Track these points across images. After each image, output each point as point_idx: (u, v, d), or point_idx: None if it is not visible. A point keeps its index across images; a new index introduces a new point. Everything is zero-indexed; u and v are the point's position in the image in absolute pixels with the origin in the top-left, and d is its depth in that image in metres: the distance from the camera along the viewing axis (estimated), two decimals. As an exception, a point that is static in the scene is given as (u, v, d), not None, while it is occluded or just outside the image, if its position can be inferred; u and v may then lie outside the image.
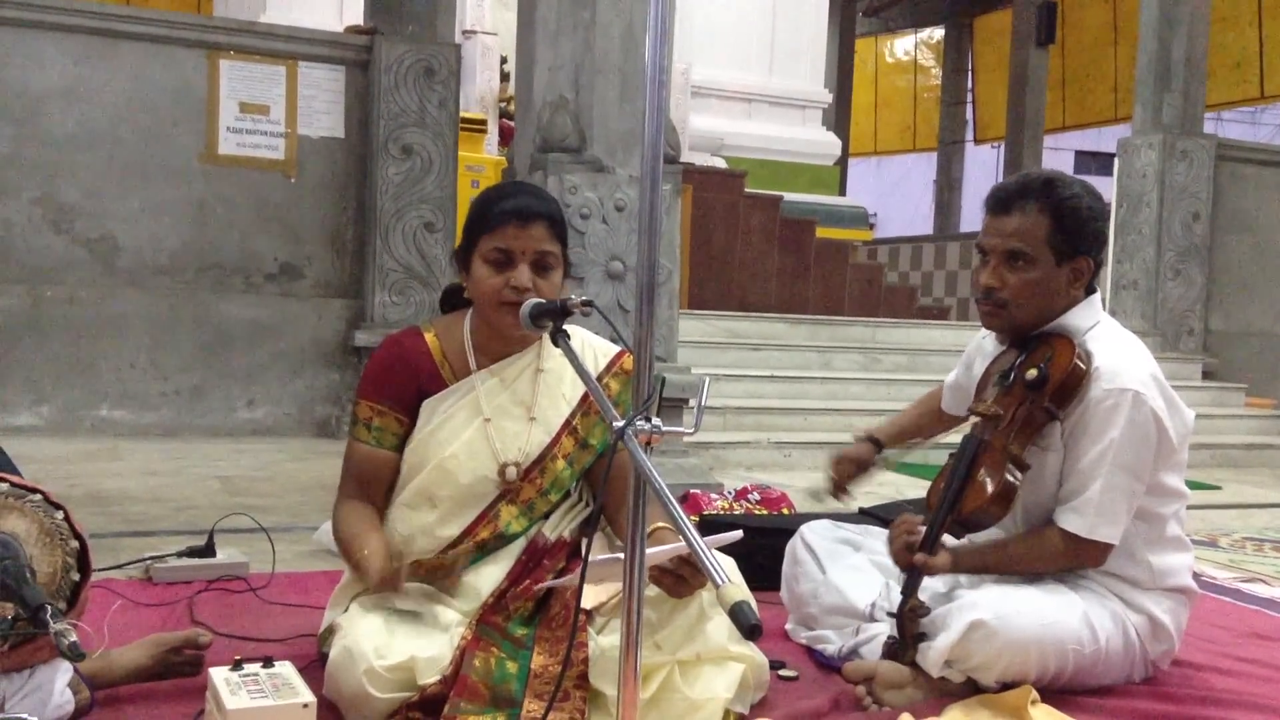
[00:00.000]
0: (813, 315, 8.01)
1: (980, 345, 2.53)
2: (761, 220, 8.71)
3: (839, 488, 2.59)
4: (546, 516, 2.20)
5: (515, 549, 2.16)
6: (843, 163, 13.21)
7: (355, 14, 7.58)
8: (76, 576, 1.73)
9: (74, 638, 1.45)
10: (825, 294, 8.91)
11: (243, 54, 5.87)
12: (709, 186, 8.40)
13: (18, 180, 5.50)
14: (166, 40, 5.76)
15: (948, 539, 2.25)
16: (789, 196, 9.51)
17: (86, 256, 5.63)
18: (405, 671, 1.88)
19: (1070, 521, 2.20)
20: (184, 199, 5.79)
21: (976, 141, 17.19)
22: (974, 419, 2.33)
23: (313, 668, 2.05)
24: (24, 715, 1.47)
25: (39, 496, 1.72)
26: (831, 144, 11.45)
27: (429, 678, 1.87)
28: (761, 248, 8.66)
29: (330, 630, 2.12)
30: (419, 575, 2.11)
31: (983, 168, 17.66)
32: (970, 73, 16.92)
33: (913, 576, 2.20)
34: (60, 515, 1.72)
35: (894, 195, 20.99)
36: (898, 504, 2.67)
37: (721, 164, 9.78)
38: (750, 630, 1.21)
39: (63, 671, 1.83)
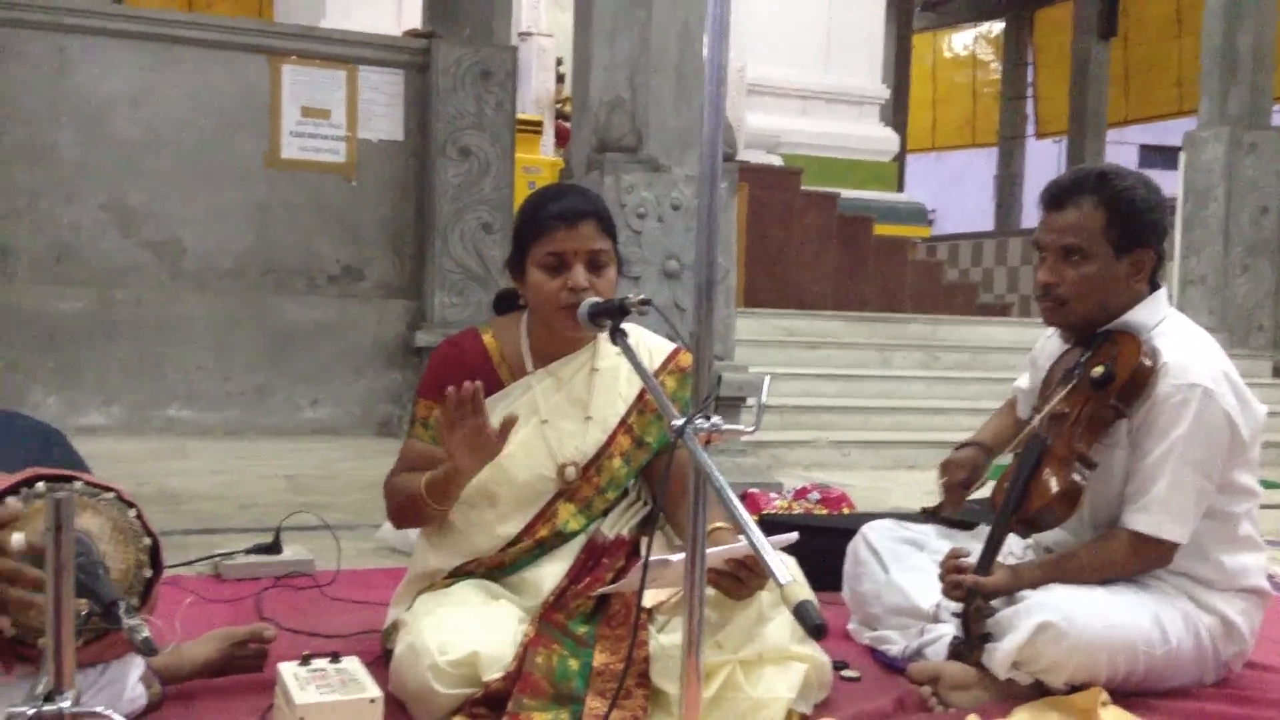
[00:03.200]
0: (871, 313, 7.95)
1: (1045, 344, 2.50)
2: (818, 217, 8.66)
3: (952, 492, 2.49)
4: (604, 514, 2.21)
5: (575, 547, 2.17)
6: (901, 159, 13.09)
7: (413, 17, 7.64)
8: (149, 573, 1.76)
9: (147, 633, 1.47)
10: (883, 291, 8.83)
11: (304, 59, 5.96)
12: (765, 184, 8.36)
13: (86, 185, 5.62)
14: (229, 46, 5.86)
15: (1010, 544, 2.22)
16: (846, 193, 9.45)
17: (153, 259, 5.75)
18: (469, 667, 1.89)
19: (1136, 520, 2.16)
20: (247, 202, 5.88)
21: (1038, 136, 16.94)
22: (1039, 418, 2.29)
23: (377, 664, 2.08)
24: (99, 709, 1.50)
25: (112, 494, 1.76)
26: (889, 140, 11.35)
27: (492, 674, 1.88)
28: (818, 245, 8.61)
29: (394, 626, 2.14)
30: (480, 572, 2.13)
31: (1045, 163, 17.38)
32: (1031, 66, 16.68)
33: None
34: (133, 513, 1.76)
35: (953, 191, 20.75)
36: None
37: (778, 161, 9.73)
38: (815, 630, 1.20)
39: (135, 666, 1.87)
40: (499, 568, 2.15)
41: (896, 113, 14.40)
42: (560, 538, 2.17)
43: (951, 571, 2.20)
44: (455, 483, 2.05)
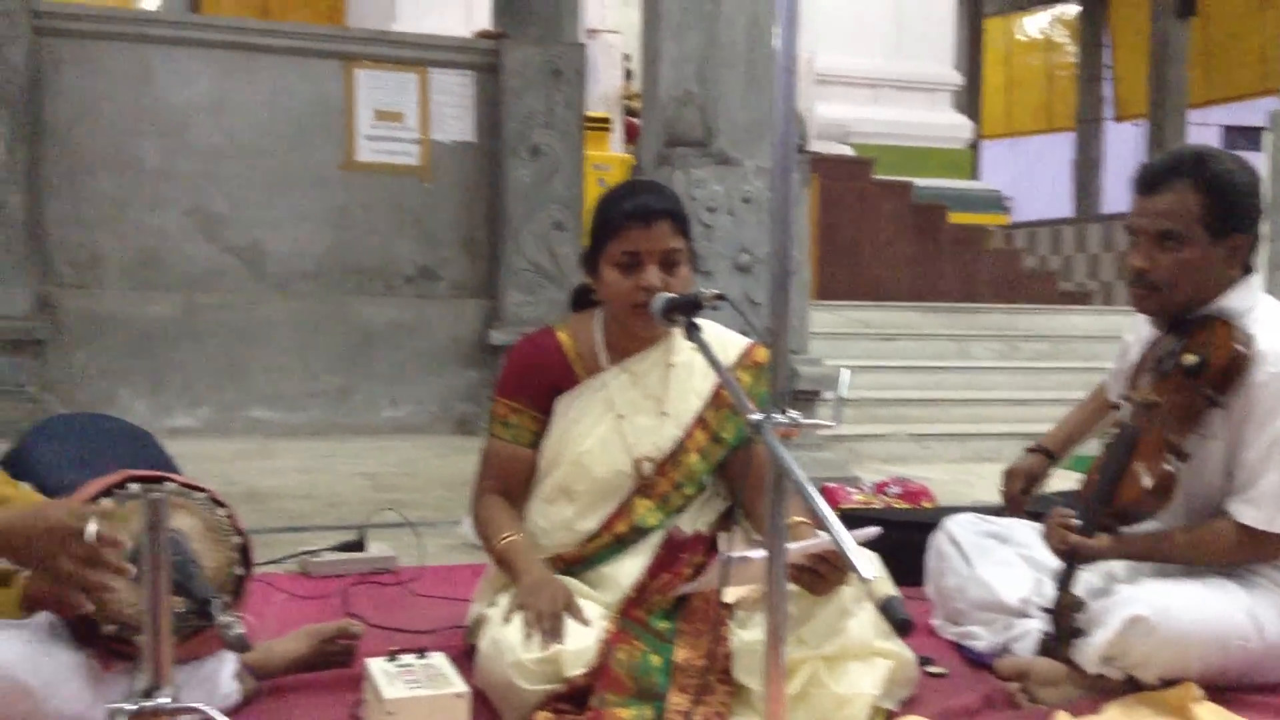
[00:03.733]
0: (947, 303, 7.84)
1: (1136, 331, 2.44)
2: (891, 207, 8.57)
3: (1012, 501, 2.49)
4: (682, 510, 2.21)
5: (653, 542, 2.18)
6: (975, 145, 12.88)
7: (483, 18, 7.72)
8: (240, 571, 1.81)
9: (240, 630, 1.51)
10: (960, 281, 8.71)
11: (376, 63, 6.04)
12: (836, 175, 8.29)
13: (170, 192, 5.76)
14: (304, 52, 5.97)
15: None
16: (919, 182, 9.32)
17: (236, 264, 5.87)
18: (551, 663, 1.90)
19: (1245, 514, 2.10)
20: (325, 206, 5.98)
21: (1117, 119, 16.54)
22: (1128, 407, 2.24)
23: (462, 659, 2.10)
24: (196, 704, 1.54)
25: (203, 495, 1.80)
26: (962, 127, 11.18)
27: (575, 670, 1.90)
28: (891, 235, 8.51)
29: (478, 622, 2.17)
30: (560, 568, 2.14)
31: (1125, 146, 16.95)
32: (1107, 48, 16.29)
33: (1069, 570, 2.13)
34: (223, 512, 1.80)
35: (1030, 177, 20.35)
36: (1047, 497, 2.58)
37: (849, 152, 9.64)
38: (902, 625, 1.19)
39: (228, 662, 1.92)
40: (578, 563, 2.17)
41: (970, 99, 14.19)
42: (638, 533, 2.17)
43: (1058, 527, 2.16)
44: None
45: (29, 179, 5.34)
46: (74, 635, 1.72)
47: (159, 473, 1.84)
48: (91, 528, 1.54)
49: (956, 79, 11.35)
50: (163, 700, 1.38)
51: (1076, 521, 2.16)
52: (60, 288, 5.57)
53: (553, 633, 1.92)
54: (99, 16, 5.88)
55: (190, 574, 1.62)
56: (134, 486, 1.72)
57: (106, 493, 1.70)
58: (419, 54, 6.14)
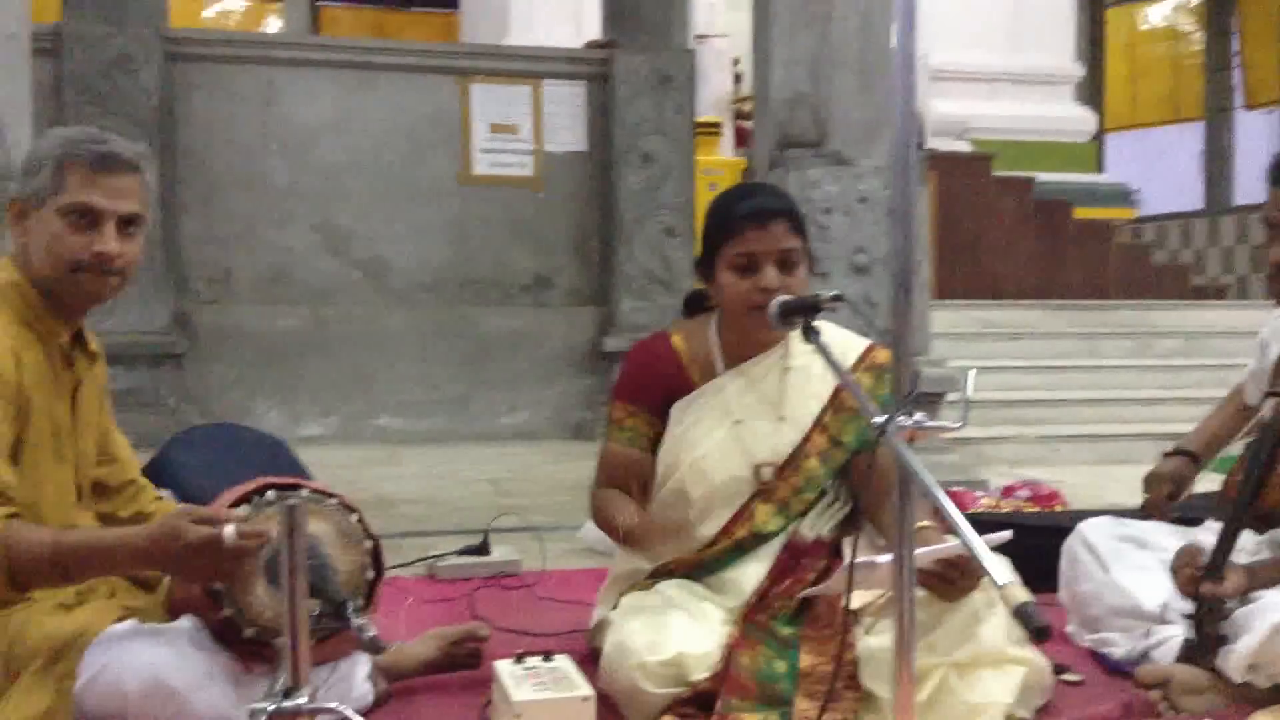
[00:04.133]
0: (1074, 300, 7.62)
1: (1276, 326, 2.33)
2: (1012, 203, 8.38)
3: (1156, 507, 2.41)
4: (803, 515, 2.18)
5: (774, 547, 2.16)
6: (1099, 138, 12.49)
7: (593, 29, 7.78)
8: (371, 575, 1.84)
9: (374, 632, 1.54)
10: (1086, 278, 8.45)
11: (491, 77, 6.14)
12: (954, 172, 8.14)
13: (297, 209, 5.96)
14: (421, 69, 6.11)
15: (1246, 540, 2.08)
16: (1041, 177, 9.08)
17: (360, 277, 6.04)
18: (676, 667, 1.90)
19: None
20: (443, 219, 6.11)
21: (1247, 107, 15.85)
22: (1270, 405, 2.14)
23: (585, 662, 2.11)
24: (333, 704, 1.58)
25: (335, 501, 1.85)
26: (1085, 120, 10.86)
27: (699, 674, 1.89)
28: (1013, 232, 8.32)
29: (601, 626, 2.18)
30: (680, 572, 2.14)
31: (1257, 136, 16.22)
32: (1235, 36, 15.63)
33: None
34: (355, 518, 1.84)
35: (1158, 169, 19.62)
36: (1188, 500, 2.48)
37: (966, 148, 9.44)
38: (1039, 632, 1.16)
39: (361, 664, 1.97)
40: (699, 567, 2.16)
41: (1092, 91, 13.76)
42: (759, 538, 2.15)
43: (1186, 569, 2.07)
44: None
45: (164, 199, 5.58)
46: (215, 638, 1.78)
47: (294, 479, 1.89)
48: (230, 530, 1.60)
49: (1078, 71, 11.02)
50: (301, 700, 1.42)
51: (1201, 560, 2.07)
52: (196, 303, 5.80)
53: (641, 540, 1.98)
54: (226, 40, 6.13)
55: (326, 578, 1.66)
56: (271, 493, 1.78)
57: (245, 499, 1.76)
58: (531, 66, 6.23)
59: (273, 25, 15.40)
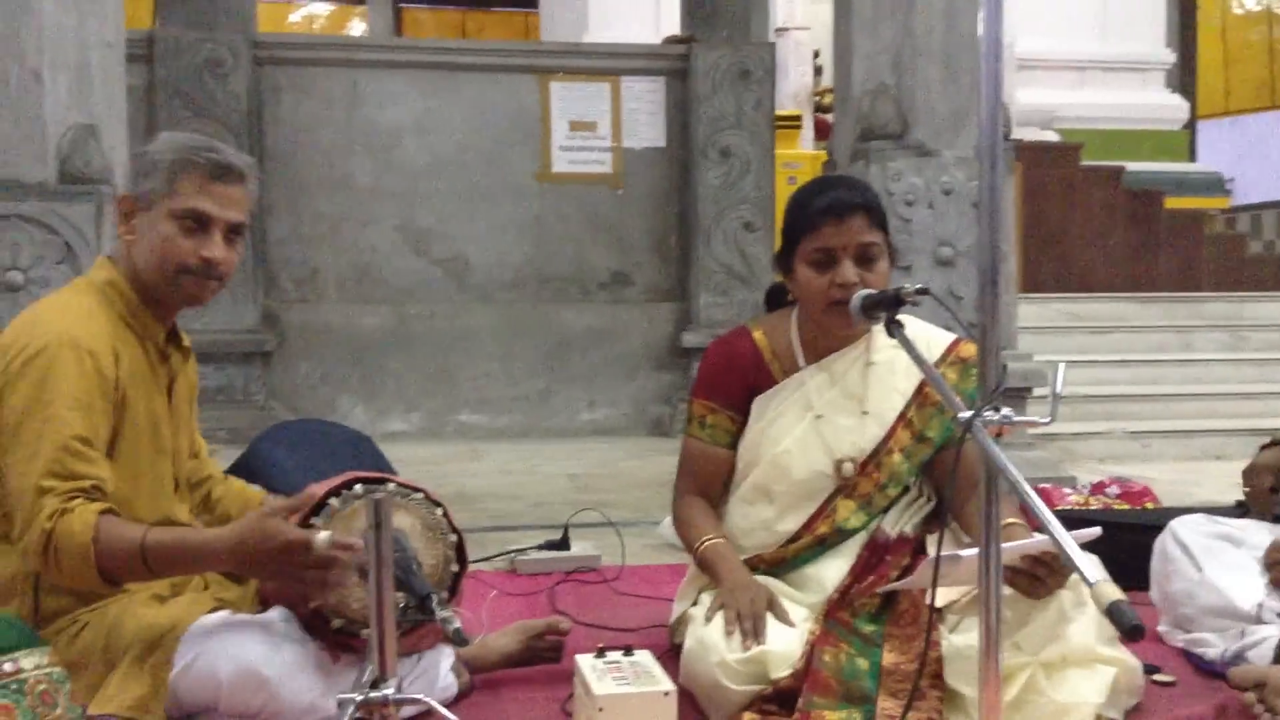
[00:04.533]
0: (1165, 293, 7.43)
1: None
2: (1101, 194, 8.18)
3: (1258, 498, 2.34)
4: (886, 511, 2.16)
5: (856, 544, 2.14)
6: (1191, 126, 12.12)
7: (672, 24, 7.78)
8: (456, 568, 1.87)
9: (459, 624, 1.56)
10: (1178, 269, 8.23)
11: (570, 74, 6.17)
12: (1041, 162, 7.98)
13: (381, 209, 6.05)
14: (502, 69, 6.16)
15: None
16: (1131, 166, 8.86)
17: (441, 275, 6.12)
18: (757, 664, 1.89)
19: None
20: (523, 217, 6.16)
21: (1350, 90, 15.26)
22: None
23: (665, 657, 2.11)
24: (418, 695, 1.60)
25: (420, 495, 1.87)
26: (1177, 107, 10.56)
27: (781, 671, 1.88)
28: (1102, 223, 8.13)
29: (681, 621, 2.18)
30: (760, 569, 2.13)
31: (1359, 119, 15.64)
32: (1339, 14, 15.05)
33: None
34: (440, 512, 1.87)
35: (1253, 157, 19.01)
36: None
37: (1053, 138, 9.25)
38: (1132, 631, 1.13)
39: (446, 656, 1.99)
40: (780, 564, 2.15)
41: (1184, 77, 13.36)
42: (841, 535, 2.14)
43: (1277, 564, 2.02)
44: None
45: (255, 200, 5.69)
46: (304, 629, 1.82)
47: (381, 474, 1.92)
48: (323, 537, 1.64)
49: (1169, 57, 10.72)
50: (388, 691, 1.44)
51: None
52: (283, 302, 5.93)
53: (754, 633, 1.91)
54: (312, 44, 6.25)
55: (411, 570, 1.68)
56: (359, 487, 1.81)
57: (334, 493, 1.79)
58: (611, 63, 6.25)
59: (356, 28, 15.66)
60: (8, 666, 0.71)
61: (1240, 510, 2.80)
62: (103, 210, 3.58)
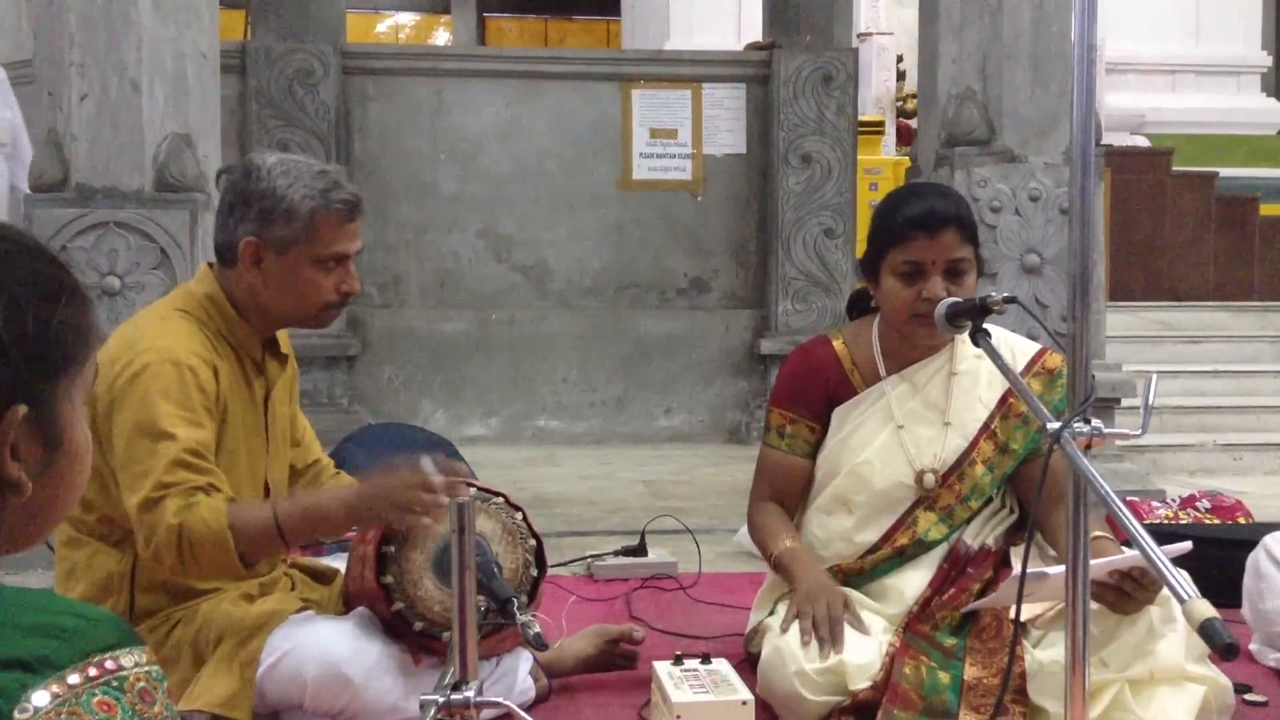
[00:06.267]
0: (1261, 302, 7.21)
1: None
2: (1193, 200, 7.96)
3: None
4: (967, 523, 2.13)
5: (937, 556, 2.11)
6: (1289, 130, 11.75)
7: (754, 30, 7.76)
8: (535, 572, 1.89)
9: (538, 628, 1.57)
10: (1274, 278, 7.97)
11: (651, 82, 6.19)
12: (1130, 168, 7.80)
13: (464, 216, 6.13)
14: (585, 77, 6.20)
15: None
16: (1225, 172, 8.61)
17: (523, 282, 6.18)
18: (836, 675, 1.88)
19: None
20: (603, 224, 6.19)
21: None
22: None
23: (741, 666, 2.10)
24: (497, 699, 1.62)
25: (500, 499, 1.90)
26: (1273, 111, 10.25)
27: (860, 683, 1.87)
28: (1193, 230, 7.91)
29: (758, 630, 2.17)
30: (839, 580, 2.11)
31: None
32: None
33: None
34: (519, 516, 1.89)
35: (1355, 162, 18.35)
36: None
37: (1143, 143, 9.04)
38: (1226, 650, 1.10)
39: (524, 660, 2.01)
40: (858, 575, 2.13)
41: (1281, 80, 12.96)
42: (921, 546, 2.11)
43: None
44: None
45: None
46: (386, 631, 1.85)
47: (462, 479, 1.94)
48: (428, 462, 1.73)
49: (1265, 60, 10.42)
50: (469, 693, 1.46)
51: None
52: (368, 307, 6.03)
53: (832, 640, 1.89)
54: (398, 54, 6.36)
55: (492, 574, 1.70)
56: (440, 491, 1.83)
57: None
58: (692, 70, 6.26)
59: (441, 38, 15.90)
60: (109, 664, 0.73)
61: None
62: (197, 218, 3.68)
